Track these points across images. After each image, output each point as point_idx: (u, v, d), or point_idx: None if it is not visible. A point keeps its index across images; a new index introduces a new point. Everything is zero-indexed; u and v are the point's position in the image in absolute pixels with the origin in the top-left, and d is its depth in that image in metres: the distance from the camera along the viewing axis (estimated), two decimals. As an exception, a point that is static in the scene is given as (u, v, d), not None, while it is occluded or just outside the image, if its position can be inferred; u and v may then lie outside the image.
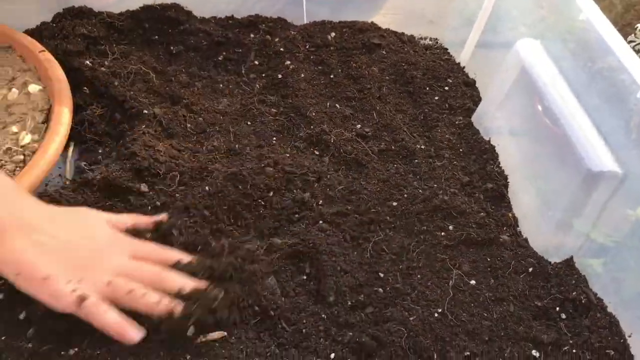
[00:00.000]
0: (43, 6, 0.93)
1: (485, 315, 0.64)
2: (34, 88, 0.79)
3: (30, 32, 0.88)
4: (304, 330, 0.62)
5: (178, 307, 0.55)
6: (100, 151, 0.78)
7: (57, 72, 0.79)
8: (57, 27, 0.89)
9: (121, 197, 0.70)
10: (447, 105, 0.87)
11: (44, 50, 0.82)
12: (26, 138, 0.73)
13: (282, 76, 0.88)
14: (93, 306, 0.53)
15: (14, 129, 0.74)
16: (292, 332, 0.62)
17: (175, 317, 0.55)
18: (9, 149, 0.72)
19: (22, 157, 0.71)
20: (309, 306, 0.64)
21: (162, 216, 0.65)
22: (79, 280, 0.54)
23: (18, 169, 0.70)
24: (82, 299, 0.53)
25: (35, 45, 0.82)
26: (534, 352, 0.61)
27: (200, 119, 0.81)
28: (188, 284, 0.57)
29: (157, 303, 0.55)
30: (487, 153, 0.80)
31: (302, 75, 0.88)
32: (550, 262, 0.69)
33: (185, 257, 0.61)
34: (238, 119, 0.82)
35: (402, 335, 0.61)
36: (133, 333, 0.54)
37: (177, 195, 0.70)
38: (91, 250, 0.57)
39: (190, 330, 0.56)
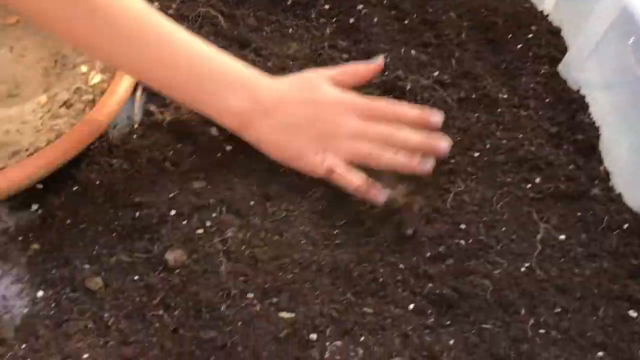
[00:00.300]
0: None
1: (577, 271, 0.60)
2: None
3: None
4: (380, 280, 0.59)
5: (414, 160, 0.62)
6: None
7: (126, 13, 0.77)
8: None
9: (192, 140, 0.68)
10: (530, 53, 0.81)
11: (112, -9, 0.79)
12: (95, 78, 0.72)
13: (353, 21, 0.84)
14: (342, 173, 0.61)
15: (83, 68, 0.73)
16: (369, 281, 0.59)
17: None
18: (79, 88, 0.71)
19: (91, 96, 0.70)
20: (386, 256, 0.61)
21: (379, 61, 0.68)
22: (324, 150, 0.61)
23: (87, 108, 0.69)
24: (331, 170, 0.61)
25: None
26: (631, 312, 0.57)
27: (270, 63, 0.78)
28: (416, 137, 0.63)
29: (394, 158, 0.62)
30: (576, 103, 0.74)
31: (375, 20, 0.83)
32: (646, 220, 0.64)
33: (412, 110, 0.65)
34: (308, 64, 0.78)
35: (486, 289, 0.58)
36: (379, 193, 0.61)
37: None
38: (325, 120, 0.62)
39: None
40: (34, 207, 0.64)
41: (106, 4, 0.56)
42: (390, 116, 0.64)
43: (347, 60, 0.79)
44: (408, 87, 0.75)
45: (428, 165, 0.63)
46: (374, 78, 0.70)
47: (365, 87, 0.75)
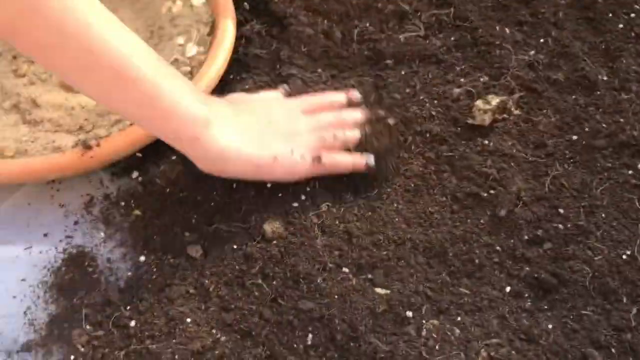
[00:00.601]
0: None
1: (684, 261, 0.58)
2: (197, 1, 0.78)
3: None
4: (476, 261, 0.59)
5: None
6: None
7: (221, -15, 0.77)
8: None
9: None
10: (633, 33, 0.77)
11: (206, -37, 0.80)
12: (192, 50, 0.73)
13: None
14: (329, 159, 0.61)
15: (180, 40, 0.74)
16: (464, 261, 0.59)
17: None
18: (176, 59, 0.72)
19: (189, 68, 0.71)
20: (482, 237, 0.60)
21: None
22: (299, 148, 0.60)
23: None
24: (318, 158, 0.60)
25: (198, -43, 0.81)
26: None
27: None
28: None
29: (351, 135, 0.63)
30: (682, 86, 0.71)
31: (469, -4, 0.82)
32: None
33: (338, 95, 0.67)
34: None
35: (586, 275, 0.57)
36: (368, 160, 0.62)
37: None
38: (283, 120, 0.62)
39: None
40: (135, 174, 0.66)
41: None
42: (326, 105, 0.66)
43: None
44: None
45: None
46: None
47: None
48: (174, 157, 0.67)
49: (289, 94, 0.68)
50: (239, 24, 0.78)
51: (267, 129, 0.61)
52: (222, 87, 0.73)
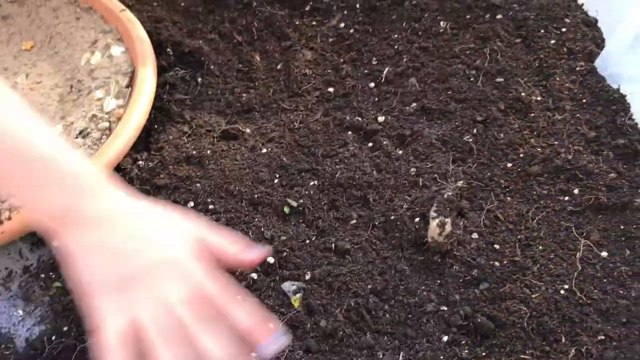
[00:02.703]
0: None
1: (622, 292, 0.56)
2: (116, 50, 0.75)
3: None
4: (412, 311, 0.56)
5: None
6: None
7: (139, 32, 0.75)
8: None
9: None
10: (565, 49, 0.76)
11: (124, 10, 0.78)
12: (111, 104, 0.70)
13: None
14: (107, 345, 0.42)
15: (99, 94, 0.71)
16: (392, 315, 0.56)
17: None
18: (94, 115, 0.69)
19: (107, 124, 0.69)
20: (416, 280, 0.58)
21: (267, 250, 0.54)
22: (119, 300, 0.43)
23: (104, 136, 0.68)
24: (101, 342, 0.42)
25: (116, 4, 0.79)
26: (684, 336, 0.53)
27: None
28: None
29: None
30: (616, 103, 0.69)
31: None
32: (699, 228, 0.59)
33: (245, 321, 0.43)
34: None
35: (524, 316, 0.54)
36: None
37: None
38: (146, 266, 0.44)
39: None
40: (56, 242, 0.63)
41: None
42: (220, 311, 0.43)
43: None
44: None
45: None
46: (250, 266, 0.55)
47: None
48: (95, 221, 0.64)
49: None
50: (163, 70, 0.75)
51: (133, 253, 0.44)
52: (147, 136, 0.70)
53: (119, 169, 0.67)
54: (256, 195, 0.64)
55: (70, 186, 0.45)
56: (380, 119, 0.70)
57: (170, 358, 0.41)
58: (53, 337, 0.58)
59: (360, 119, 0.70)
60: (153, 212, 0.47)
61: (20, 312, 0.59)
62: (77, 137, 0.67)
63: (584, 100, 0.70)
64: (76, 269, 0.44)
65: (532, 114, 0.69)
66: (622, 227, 0.60)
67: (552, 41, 0.77)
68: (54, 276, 0.61)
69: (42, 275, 0.61)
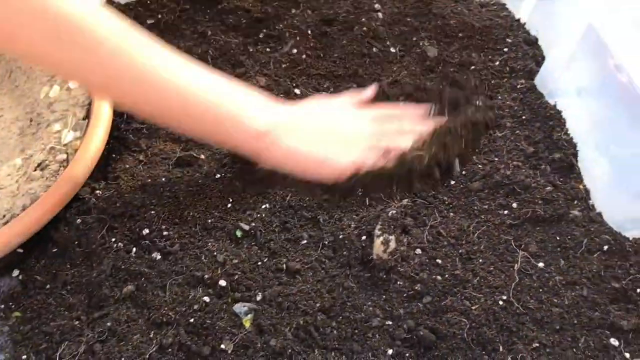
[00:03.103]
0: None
1: (556, 301, 0.59)
2: (74, 84, 0.77)
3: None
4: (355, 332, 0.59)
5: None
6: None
7: (96, 65, 0.77)
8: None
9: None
10: (508, 68, 0.79)
11: (82, 43, 0.80)
12: (68, 136, 0.72)
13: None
14: (389, 152, 0.62)
15: (57, 127, 0.73)
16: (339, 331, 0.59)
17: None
18: (52, 148, 0.71)
19: (65, 155, 0.70)
20: (363, 297, 0.60)
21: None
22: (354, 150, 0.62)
23: (62, 168, 0.69)
24: (388, 151, 0.62)
25: (73, 38, 0.81)
26: (613, 341, 0.56)
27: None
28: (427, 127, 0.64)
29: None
30: (553, 119, 0.72)
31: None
32: (628, 238, 0.63)
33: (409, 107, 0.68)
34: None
35: (464, 327, 0.57)
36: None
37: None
38: (345, 128, 0.65)
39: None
40: (15, 272, 0.65)
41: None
42: (397, 114, 0.67)
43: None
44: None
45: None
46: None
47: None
48: (54, 250, 0.66)
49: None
50: (120, 101, 0.78)
51: (327, 134, 0.64)
52: (105, 166, 0.72)
53: (78, 199, 0.69)
54: (209, 220, 0.66)
55: (263, 108, 0.62)
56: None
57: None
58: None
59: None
60: (315, 100, 0.68)
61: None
62: (35, 170, 0.69)
63: (524, 117, 0.74)
64: (307, 155, 0.62)
65: (475, 132, 0.73)
66: (557, 238, 0.63)
67: (497, 62, 0.80)
68: (13, 306, 0.63)
69: (2, 306, 0.63)
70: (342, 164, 0.61)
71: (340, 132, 0.64)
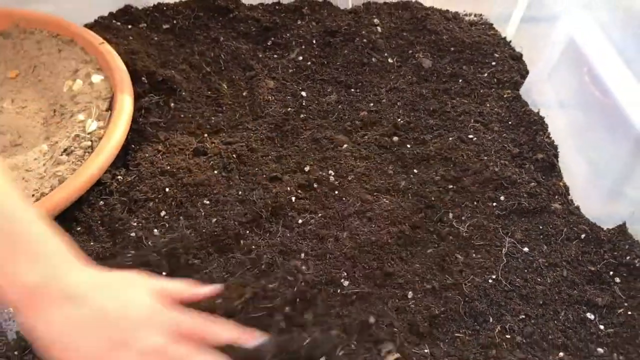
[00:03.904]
0: (99, 3, 0.97)
1: (539, 280, 0.65)
2: (96, 78, 0.83)
3: (89, 27, 0.93)
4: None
5: None
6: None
7: (117, 62, 0.83)
8: (113, 23, 0.93)
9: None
10: (495, 79, 0.87)
11: (103, 43, 0.86)
12: (92, 125, 0.77)
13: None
14: None
15: (81, 117, 0.79)
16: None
17: None
18: (77, 135, 0.76)
19: (89, 143, 0.76)
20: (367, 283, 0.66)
21: (218, 288, 0.58)
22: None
23: (87, 153, 0.75)
24: None
25: (95, 38, 0.87)
26: (589, 315, 0.62)
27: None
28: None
29: None
30: (536, 124, 0.80)
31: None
32: (602, 229, 0.70)
33: (234, 333, 0.52)
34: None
35: (459, 302, 0.63)
36: None
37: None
38: (127, 327, 0.50)
39: None
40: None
41: None
42: (201, 336, 0.52)
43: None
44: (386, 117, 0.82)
45: None
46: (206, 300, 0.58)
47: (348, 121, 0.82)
48: (78, 228, 0.70)
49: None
50: (138, 97, 0.83)
51: (106, 326, 0.49)
52: (125, 155, 0.78)
53: (100, 183, 0.74)
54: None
55: (45, 264, 0.48)
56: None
57: None
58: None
59: (316, 138, 0.80)
60: (118, 279, 0.53)
61: (11, 309, 0.65)
62: (62, 154, 0.74)
63: (510, 122, 0.82)
64: (60, 346, 0.47)
65: (469, 135, 0.80)
66: (540, 227, 0.70)
67: (485, 74, 0.88)
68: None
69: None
70: None
71: (116, 333, 0.49)
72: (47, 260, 0.49)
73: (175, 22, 0.94)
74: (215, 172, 0.75)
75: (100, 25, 0.93)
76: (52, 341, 0.47)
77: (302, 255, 0.67)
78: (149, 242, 0.67)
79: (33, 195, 0.71)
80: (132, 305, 0.52)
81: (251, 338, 0.52)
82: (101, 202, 0.72)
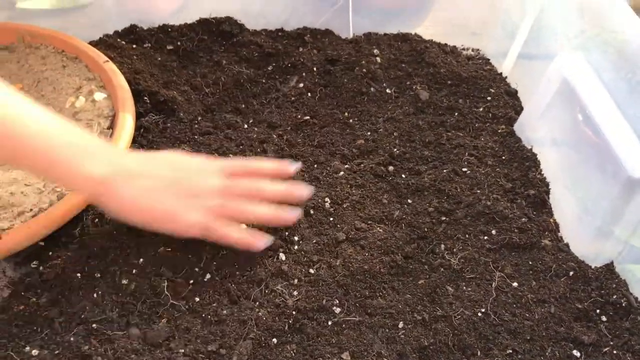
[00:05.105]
0: (105, 21, 0.99)
1: (527, 315, 0.66)
2: (99, 96, 0.84)
3: (94, 44, 0.94)
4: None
5: (281, 211, 0.67)
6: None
7: (121, 81, 0.84)
8: (118, 42, 0.95)
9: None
10: (490, 114, 0.89)
11: (107, 61, 0.87)
12: (93, 142, 0.78)
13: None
14: (218, 230, 0.64)
15: (82, 132, 0.80)
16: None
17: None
18: (78, 152, 0.77)
19: (89, 160, 0.77)
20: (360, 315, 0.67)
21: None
22: (193, 209, 0.62)
23: (86, 171, 0.75)
24: (207, 227, 0.63)
25: (100, 56, 0.88)
26: (575, 352, 0.64)
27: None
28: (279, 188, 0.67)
29: (262, 212, 0.66)
30: (529, 161, 0.82)
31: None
32: (590, 267, 0.71)
33: (270, 163, 0.70)
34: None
35: (448, 334, 0.64)
36: (260, 242, 0.66)
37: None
38: (190, 180, 0.64)
39: None
40: (34, 263, 0.70)
41: None
42: (252, 171, 0.68)
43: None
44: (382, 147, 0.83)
45: (294, 215, 0.68)
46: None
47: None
48: (74, 245, 0.71)
49: None
50: (139, 116, 0.85)
51: (169, 186, 0.63)
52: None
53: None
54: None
55: (102, 157, 0.61)
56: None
57: (256, 209, 0.65)
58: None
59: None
60: (169, 154, 0.68)
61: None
62: (61, 170, 0.75)
63: (503, 157, 0.83)
64: (148, 207, 0.62)
65: (464, 168, 0.81)
66: (530, 262, 0.72)
67: (481, 109, 0.90)
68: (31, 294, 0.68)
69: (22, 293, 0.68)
70: (188, 220, 0.63)
71: (187, 186, 0.64)
72: (103, 153, 0.61)
73: (179, 43, 0.96)
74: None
75: (104, 43, 0.95)
76: (130, 211, 0.62)
77: (295, 280, 0.68)
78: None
79: (31, 210, 0.71)
80: (189, 164, 0.66)
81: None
82: (96, 220, 0.73)
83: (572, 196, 0.77)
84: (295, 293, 0.67)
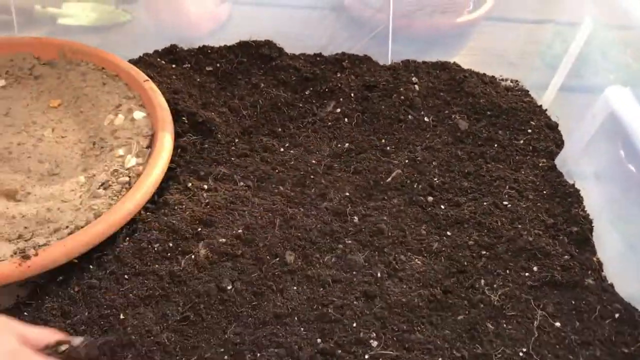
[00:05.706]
0: (143, 39, 1.00)
1: (571, 357, 0.64)
2: (138, 115, 0.84)
3: (134, 62, 0.94)
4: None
5: None
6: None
7: (160, 100, 0.84)
8: (157, 61, 0.95)
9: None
10: (530, 147, 0.88)
11: (148, 80, 0.87)
12: (131, 161, 0.78)
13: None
14: None
15: (120, 152, 0.80)
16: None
17: None
18: (116, 170, 0.77)
19: (127, 178, 0.76)
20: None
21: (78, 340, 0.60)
22: None
23: (124, 189, 0.75)
24: None
25: (140, 74, 0.88)
26: (622, 399, 0.61)
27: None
28: None
29: None
30: (571, 196, 0.80)
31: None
32: (637, 309, 0.69)
33: None
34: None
35: (488, 373, 0.62)
36: None
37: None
38: None
39: None
40: (70, 281, 0.69)
41: None
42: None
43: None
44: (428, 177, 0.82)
45: None
46: None
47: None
48: (110, 265, 0.70)
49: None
50: (177, 136, 0.84)
51: None
52: (160, 193, 0.78)
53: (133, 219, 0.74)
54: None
55: None
56: (369, 193, 0.80)
57: None
58: None
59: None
60: None
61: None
62: (99, 188, 0.75)
63: (545, 192, 0.82)
64: None
65: (504, 201, 0.80)
66: (573, 302, 0.69)
67: (521, 141, 0.89)
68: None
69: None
70: None
71: None
72: None
73: (218, 65, 0.96)
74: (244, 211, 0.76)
75: (144, 62, 0.95)
76: None
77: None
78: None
79: (67, 227, 0.71)
80: None
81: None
82: (133, 237, 0.72)
83: (617, 233, 0.75)
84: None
